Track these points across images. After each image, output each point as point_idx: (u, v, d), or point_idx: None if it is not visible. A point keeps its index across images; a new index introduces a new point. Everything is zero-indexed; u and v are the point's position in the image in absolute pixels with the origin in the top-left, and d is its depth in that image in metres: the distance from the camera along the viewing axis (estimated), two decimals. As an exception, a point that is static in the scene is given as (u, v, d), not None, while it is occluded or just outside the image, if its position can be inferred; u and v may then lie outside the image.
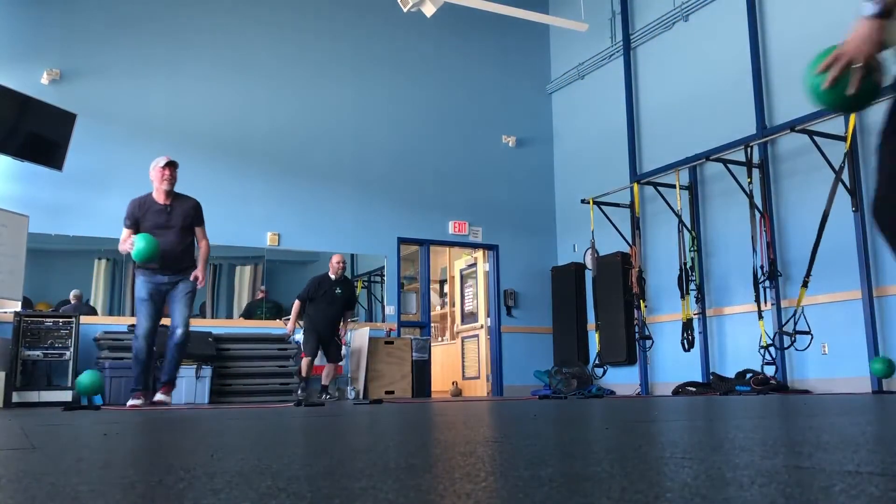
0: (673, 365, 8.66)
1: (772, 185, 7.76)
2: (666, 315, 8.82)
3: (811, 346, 7.02)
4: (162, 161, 5.70)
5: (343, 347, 8.14)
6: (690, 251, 8.35)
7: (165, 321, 5.92)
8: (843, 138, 6.86)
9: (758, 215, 7.58)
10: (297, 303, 7.85)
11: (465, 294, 11.08)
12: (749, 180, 7.63)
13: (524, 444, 1.54)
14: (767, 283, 7.45)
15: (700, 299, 8.34)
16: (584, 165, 10.34)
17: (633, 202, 9.14)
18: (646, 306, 8.79)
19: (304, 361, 7.61)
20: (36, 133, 7.34)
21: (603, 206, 9.36)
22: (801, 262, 7.24)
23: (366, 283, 9.83)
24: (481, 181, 10.38)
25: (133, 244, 5.39)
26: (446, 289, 12.57)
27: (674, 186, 8.48)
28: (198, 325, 6.39)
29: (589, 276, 9.81)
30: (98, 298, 8.26)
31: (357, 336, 8.75)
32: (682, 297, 8.25)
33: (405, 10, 7.11)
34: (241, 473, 1.02)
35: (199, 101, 8.92)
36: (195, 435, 2.24)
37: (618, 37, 9.93)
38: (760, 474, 0.92)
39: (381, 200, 9.68)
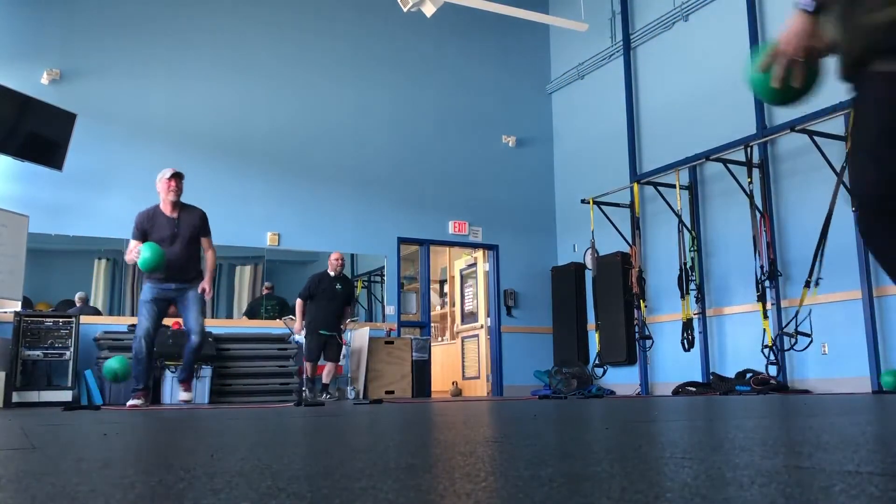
0: (673, 365, 8.66)
1: (772, 185, 7.76)
2: (666, 315, 8.82)
3: (810, 346, 7.02)
4: (168, 173, 5.76)
5: (343, 347, 8.16)
6: (690, 251, 8.35)
7: (167, 322, 5.98)
8: (844, 138, 6.86)
9: (758, 215, 7.59)
10: (299, 301, 7.91)
11: (465, 294, 11.08)
12: (749, 180, 7.62)
13: (524, 444, 1.54)
14: (768, 283, 7.45)
15: (700, 299, 8.34)
16: (584, 165, 10.34)
17: (633, 202, 9.14)
18: (646, 306, 8.79)
19: (308, 366, 7.63)
20: (36, 133, 7.34)
21: (603, 206, 9.36)
22: (801, 261, 7.24)
23: (366, 283, 9.83)
24: (481, 181, 10.38)
25: (139, 253, 5.49)
26: (446, 289, 12.58)
27: (674, 186, 8.48)
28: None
29: (589, 276, 9.81)
30: (98, 298, 8.26)
31: (357, 336, 8.75)
32: (682, 297, 8.25)
33: (405, 9, 7.11)
34: (241, 473, 1.02)
35: (199, 101, 8.92)
36: (195, 435, 2.24)
37: (618, 37, 9.93)
38: (760, 474, 0.92)
39: (381, 200, 9.68)
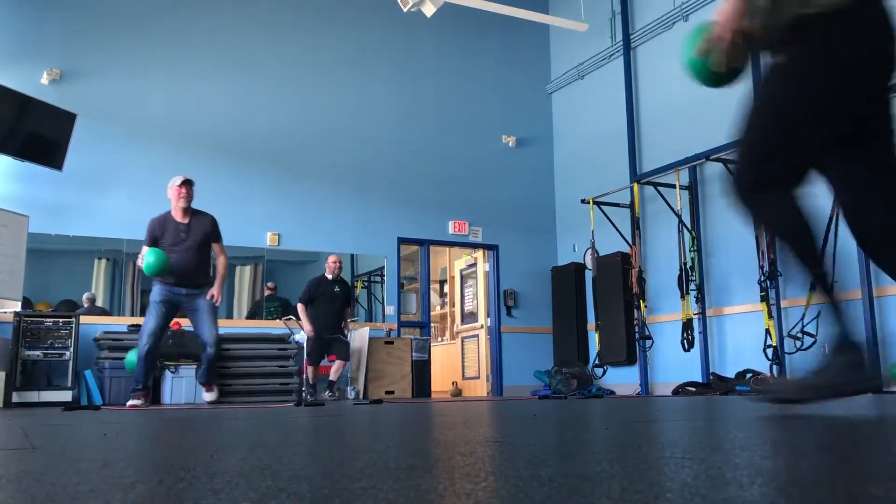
0: (673, 365, 8.66)
1: (772, 185, 7.75)
2: (666, 315, 8.82)
3: (812, 346, 7.01)
4: (178, 180, 5.95)
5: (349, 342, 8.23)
6: (690, 251, 8.35)
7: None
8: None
9: (758, 215, 7.57)
10: (300, 306, 8.01)
11: (465, 294, 11.08)
12: (749, 180, 7.61)
13: (524, 444, 1.54)
14: (767, 284, 7.45)
15: (700, 299, 8.33)
16: (584, 165, 10.34)
17: (633, 202, 9.14)
18: (646, 306, 8.79)
19: (310, 370, 7.64)
20: (36, 133, 7.34)
21: (603, 206, 9.36)
22: (801, 262, 7.22)
23: (366, 283, 9.84)
24: (481, 181, 10.38)
25: (144, 259, 5.62)
26: (446, 289, 12.58)
27: (674, 186, 8.48)
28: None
29: (589, 276, 9.81)
30: (98, 299, 8.26)
31: (357, 336, 8.76)
32: (682, 297, 8.25)
33: (405, 9, 7.11)
34: (241, 473, 1.02)
35: (199, 101, 8.92)
36: (195, 435, 2.24)
37: (618, 37, 9.93)
38: (760, 474, 0.92)
39: (381, 200, 9.68)
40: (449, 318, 12.19)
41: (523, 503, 0.75)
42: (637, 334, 8.86)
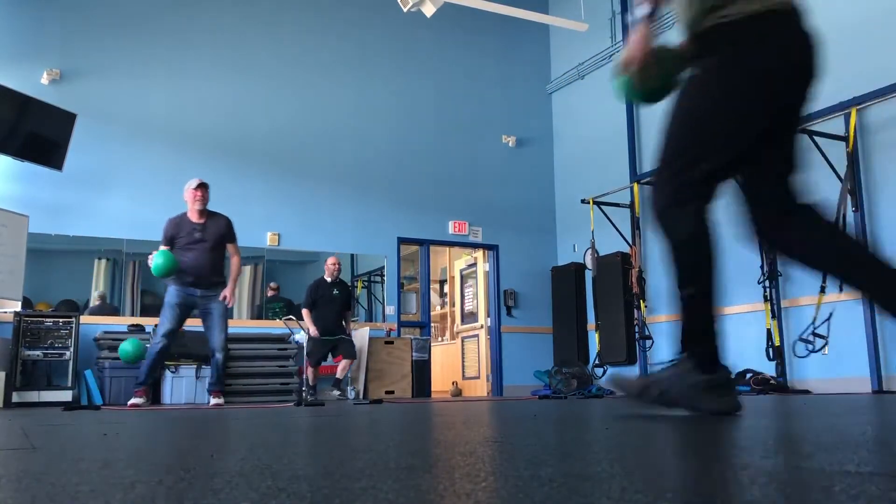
0: (673, 365, 8.64)
1: (772, 185, 7.75)
2: (666, 315, 8.82)
3: (814, 348, 7.01)
4: (194, 183, 6.12)
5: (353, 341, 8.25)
6: (690, 251, 8.34)
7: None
8: (844, 138, 6.85)
9: (758, 215, 7.57)
10: (304, 311, 8.05)
11: (465, 294, 11.09)
12: (749, 180, 7.61)
13: (524, 444, 1.54)
14: (767, 284, 7.45)
15: (700, 299, 8.32)
16: (584, 165, 10.34)
17: (633, 202, 9.14)
18: (646, 306, 8.79)
19: (310, 371, 7.65)
20: (36, 133, 7.34)
21: (603, 206, 9.36)
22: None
23: (366, 283, 9.84)
24: (481, 181, 10.38)
25: (153, 259, 5.78)
26: (446, 289, 12.58)
27: (674, 186, 8.47)
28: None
29: (589, 276, 9.81)
30: (98, 298, 8.26)
31: (357, 336, 8.76)
32: (682, 297, 8.23)
33: (405, 9, 7.11)
34: (241, 473, 1.02)
35: (199, 101, 8.92)
36: (195, 435, 2.24)
37: (618, 37, 9.93)
38: (760, 474, 0.92)
39: (381, 200, 9.68)
40: (449, 318, 12.19)
41: (523, 503, 0.75)
42: (637, 334, 8.86)
